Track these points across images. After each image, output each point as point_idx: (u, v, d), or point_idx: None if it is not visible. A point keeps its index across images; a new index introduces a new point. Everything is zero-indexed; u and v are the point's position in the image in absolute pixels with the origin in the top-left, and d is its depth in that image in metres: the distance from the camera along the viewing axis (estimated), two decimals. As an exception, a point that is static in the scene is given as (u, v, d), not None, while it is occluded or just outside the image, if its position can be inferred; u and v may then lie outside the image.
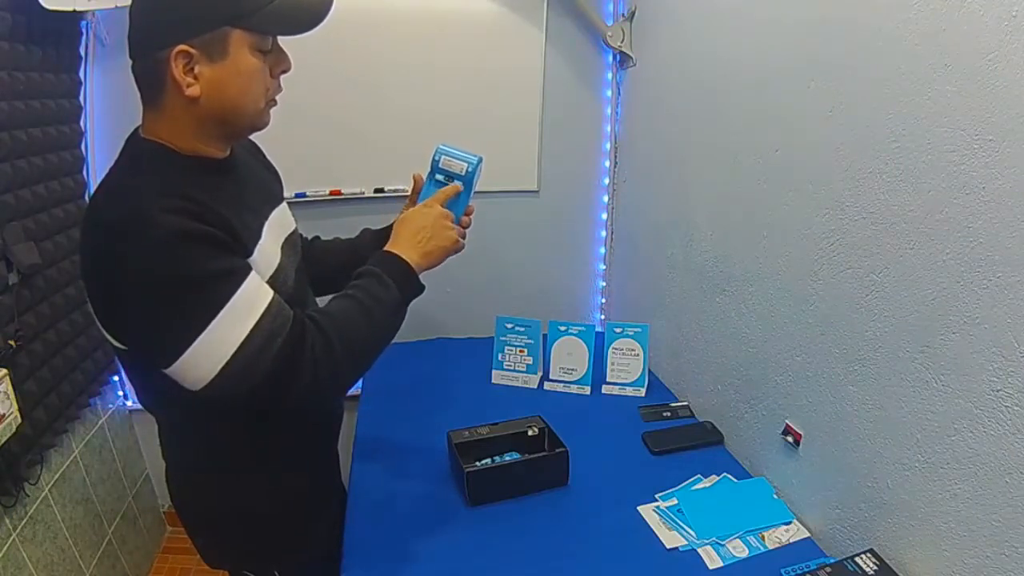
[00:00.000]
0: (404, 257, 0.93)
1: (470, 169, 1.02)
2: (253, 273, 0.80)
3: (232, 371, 0.76)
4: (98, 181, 0.83)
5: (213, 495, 0.99)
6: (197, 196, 0.77)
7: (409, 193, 1.11)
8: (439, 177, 1.03)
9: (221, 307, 0.75)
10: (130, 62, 0.80)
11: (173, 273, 0.73)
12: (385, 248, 0.95)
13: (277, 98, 0.88)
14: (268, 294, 0.81)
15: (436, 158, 1.03)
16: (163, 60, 0.76)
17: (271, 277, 0.88)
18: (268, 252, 0.90)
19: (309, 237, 1.22)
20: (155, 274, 0.73)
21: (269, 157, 1.09)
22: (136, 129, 0.84)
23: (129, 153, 0.83)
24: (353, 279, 0.91)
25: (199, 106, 0.79)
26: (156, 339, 0.77)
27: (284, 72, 0.87)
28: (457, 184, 1.02)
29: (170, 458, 1.02)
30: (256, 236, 0.88)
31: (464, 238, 1.02)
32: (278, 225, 0.98)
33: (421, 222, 0.96)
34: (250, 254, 0.84)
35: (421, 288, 0.94)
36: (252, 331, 0.77)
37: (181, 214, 0.74)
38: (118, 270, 0.74)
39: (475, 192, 1.04)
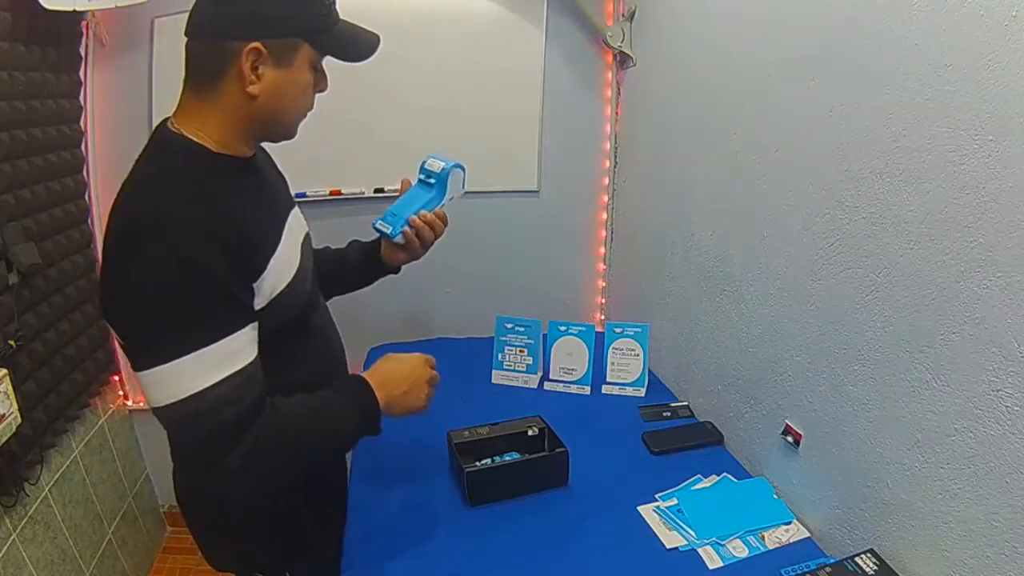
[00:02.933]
0: (379, 400, 0.92)
1: (445, 168, 1.14)
2: (242, 332, 0.78)
3: (171, 414, 0.75)
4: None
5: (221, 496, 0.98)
6: (227, 207, 0.78)
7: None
8: (422, 176, 1.16)
9: (193, 350, 0.73)
10: (175, 43, 0.79)
11: (171, 295, 0.73)
12: (366, 376, 0.94)
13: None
14: (245, 359, 0.78)
15: (423, 162, 1.16)
16: (234, 51, 0.77)
17: (292, 280, 0.88)
18: (287, 258, 0.89)
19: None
20: (156, 287, 0.73)
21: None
22: (165, 120, 0.84)
23: (160, 147, 0.82)
24: (334, 391, 0.91)
25: (253, 105, 0.80)
26: (135, 343, 0.77)
27: (321, 92, 0.90)
28: None
29: (178, 457, 1.01)
30: (273, 246, 0.87)
31: (426, 249, 1.13)
32: (296, 228, 0.99)
33: (407, 373, 0.98)
34: (260, 272, 0.82)
35: (377, 432, 0.94)
36: (209, 388, 0.74)
37: (203, 239, 0.73)
38: (131, 267, 0.74)
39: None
